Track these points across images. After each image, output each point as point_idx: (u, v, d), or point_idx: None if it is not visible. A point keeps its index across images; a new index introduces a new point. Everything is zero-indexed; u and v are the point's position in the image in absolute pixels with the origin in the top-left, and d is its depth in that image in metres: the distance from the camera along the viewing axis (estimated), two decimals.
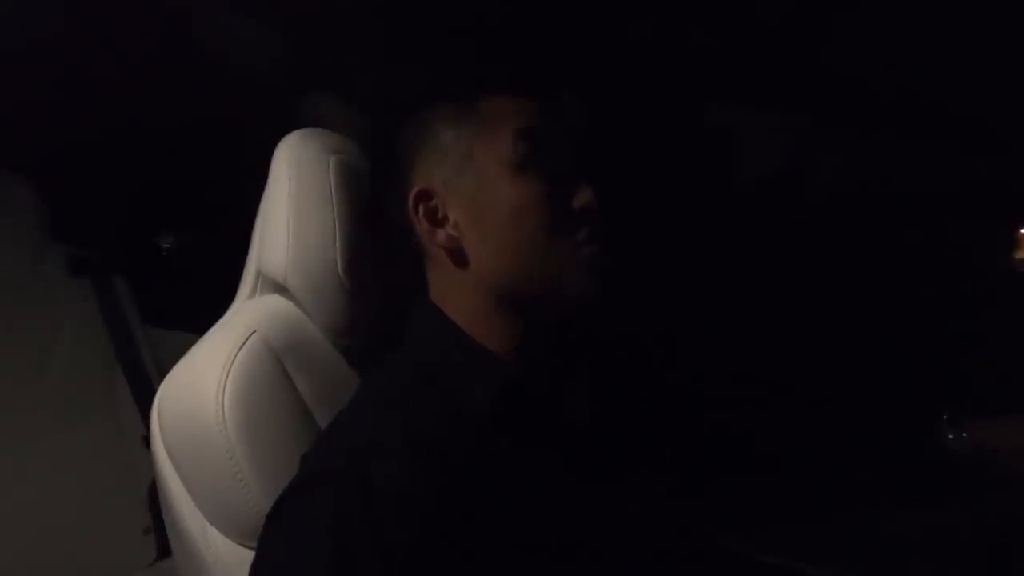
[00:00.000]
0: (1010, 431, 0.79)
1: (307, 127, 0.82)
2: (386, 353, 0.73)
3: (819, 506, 0.91)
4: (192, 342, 0.76)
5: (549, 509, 0.65)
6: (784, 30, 1.01)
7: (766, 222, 1.18)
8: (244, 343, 0.71)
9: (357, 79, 1.25)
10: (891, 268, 1.12)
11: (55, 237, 1.54)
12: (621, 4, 1.05)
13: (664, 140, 1.21)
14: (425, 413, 0.65)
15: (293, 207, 0.75)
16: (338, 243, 0.75)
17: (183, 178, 1.52)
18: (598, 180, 0.71)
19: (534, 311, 0.70)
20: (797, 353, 1.12)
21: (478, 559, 0.59)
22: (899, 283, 1.12)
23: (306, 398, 0.74)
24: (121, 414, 1.57)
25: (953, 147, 1.04)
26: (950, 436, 0.79)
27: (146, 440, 0.76)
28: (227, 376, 0.68)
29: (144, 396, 1.52)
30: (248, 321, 0.74)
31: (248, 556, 0.63)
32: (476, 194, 0.69)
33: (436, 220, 0.70)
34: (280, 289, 0.78)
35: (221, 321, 0.79)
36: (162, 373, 0.74)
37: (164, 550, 1.44)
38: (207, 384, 0.68)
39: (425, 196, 0.71)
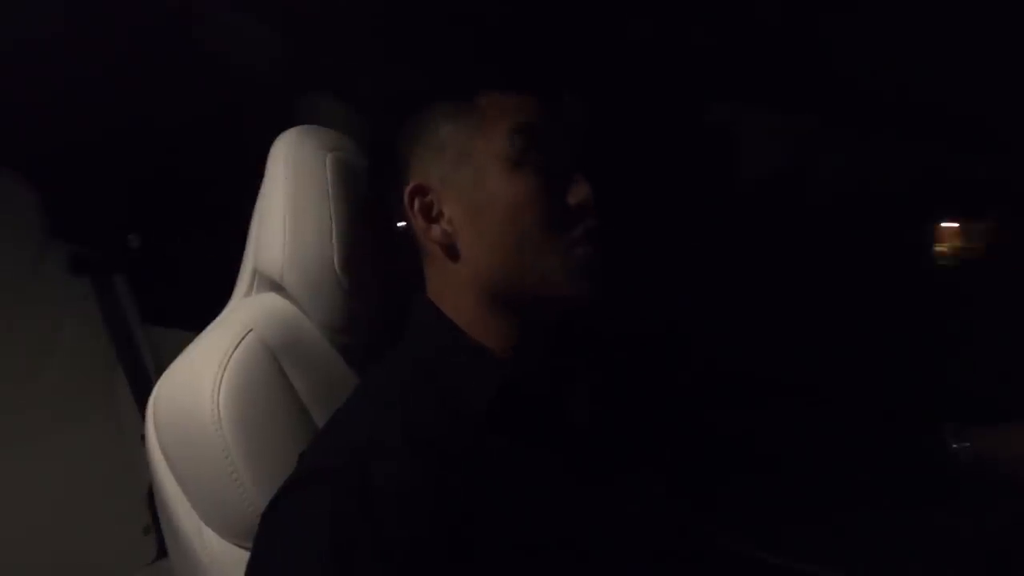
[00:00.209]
0: (1011, 439, 0.78)
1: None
2: (384, 351, 0.73)
3: (819, 506, 0.91)
4: (192, 341, 0.76)
5: (549, 509, 0.65)
6: (784, 30, 1.00)
7: (766, 222, 1.18)
8: (240, 341, 0.71)
9: (356, 78, 1.25)
10: (892, 268, 1.12)
11: (55, 236, 1.54)
12: (621, 4, 1.05)
13: (664, 139, 1.21)
14: (424, 411, 0.65)
15: (290, 204, 0.75)
16: (335, 240, 0.75)
17: (182, 177, 1.52)
18: (598, 179, 0.71)
19: (529, 309, 0.70)
20: (797, 353, 1.12)
21: (477, 558, 0.58)
22: (899, 283, 1.11)
23: (303, 396, 0.74)
24: (121, 413, 1.57)
25: (955, 147, 1.04)
26: (953, 444, 0.79)
27: (145, 439, 0.76)
28: (223, 375, 0.68)
29: (144, 395, 1.51)
30: (244, 319, 0.74)
31: (244, 556, 0.62)
32: (472, 190, 0.69)
33: (431, 216, 0.70)
34: (277, 287, 0.77)
35: (217, 320, 0.79)
36: (162, 372, 0.74)
37: (164, 549, 1.44)
38: (203, 383, 0.68)
39: (421, 192, 0.71)
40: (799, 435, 0.89)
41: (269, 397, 0.71)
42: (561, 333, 0.76)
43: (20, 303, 1.48)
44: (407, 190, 0.71)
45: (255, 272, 0.80)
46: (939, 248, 1.08)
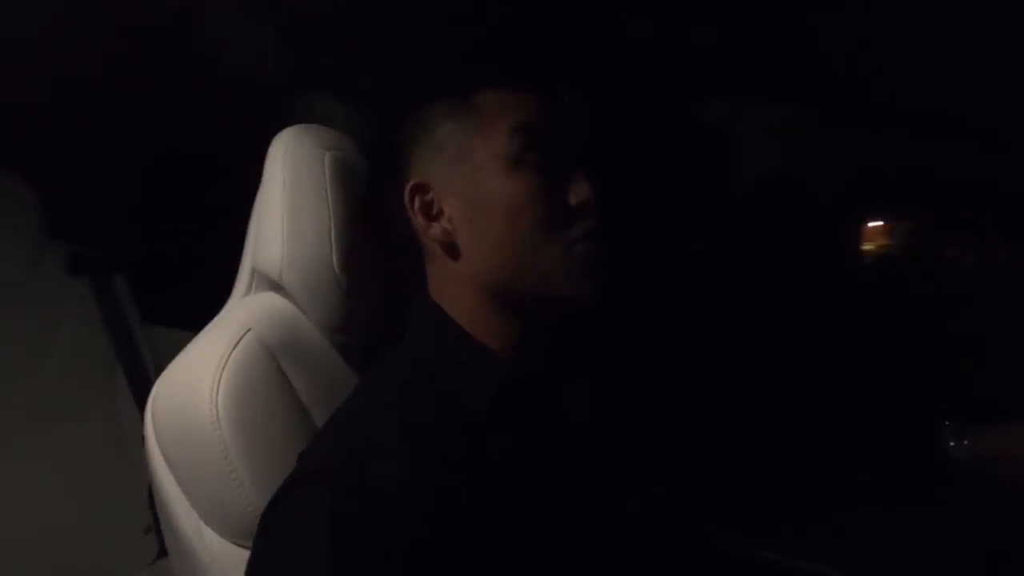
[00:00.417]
0: (1011, 439, 0.78)
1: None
2: (384, 350, 0.73)
3: (819, 506, 0.91)
4: (191, 340, 0.76)
5: (549, 508, 0.65)
6: (784, 29, 1.00)
7: (766, 221, 1.18)
8: (239, 341, 0.71)
9: (356, 78, 1.25)
10: (891, 268, 1.12)
11: (54, 236, 1.54)
12: (621, 4, 1.05)
13: (664, 139, 1.21)
14: (424, 411, 0.65)
15: (288, 203, 0.75)
16: (334, 239, 0.75)
17: (181, 177, 1.52)
18: (598, 178, 0.70)
19: (529, 309, 0.70)
20: (797, 352, 1.12)
21: (477, 558, 0.58)
22: (899, 283, 1.11)
23: (302, 396, 0.74)
24: (121, 413, 1.57)
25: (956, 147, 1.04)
26: (952, 444, 0.79)
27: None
28: (221, 375, 0.68)
29: (143, 395, 1.51)
30: (243, 319, 0.74)
31: (244, 556, 0.62)
32: (471, 189, 0.69)
33: (431, 214, 0.70)
34: (275, 286, 0.77)
35: (216, 319, 0.79)
36: (161, 372, 0.74)
37: (165, 549, 1.44)
38: (201, 383, 0.68)
39: (421, 190, 0.71)
40: (799, 435, 0.89)
41: (268, 397, 0.71)
42: (561, 333, 0.76)
43: (19, 303, 1.47)
44: (407, 188, 0.71)
45: (254, 271, 0.80)
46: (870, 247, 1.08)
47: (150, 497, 1.43)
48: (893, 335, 1.08)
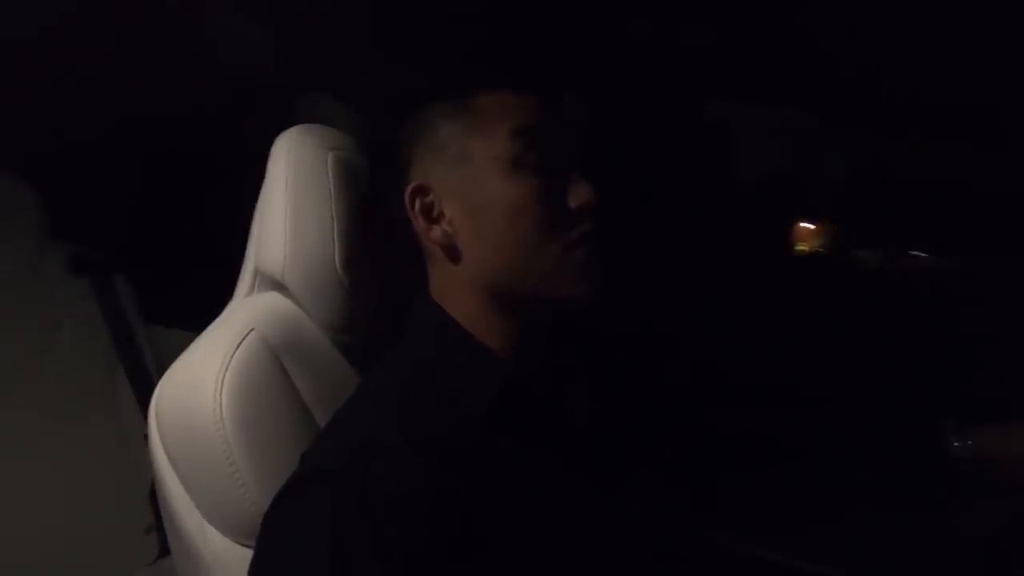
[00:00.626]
0: (1011, 439, 0.78)
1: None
2: (385, 350, 0.73)
3: (819, 506, 0.91)
4: (193, 340, 0.76)
5: (549, 508, 0.65)
6: (783, 29, 1.00)
7: (766, 221, 1.18)
8: (242, 341, 0.71)
9: (356, 78, 1.25)
10: (891, 268, 1.12)
11: (55, 236, 1.54)
12: (621, 4, 1.05)
13: (664, 139, 1.21)
14: (425, 411, 0.65)
15: (291, 203, 0.75)
16: (336, 240, 0.75)
17: (183, 177, 1.52)
18: (598, 179, 0.71)
19: (530, 310, 0.70)
20: (798, 353, 1.12)
21: (477, 558, 0.59)
22: (899, 283, 1.12)
23: (304, 396, 0.74)
24: (122, 413, 1.57)
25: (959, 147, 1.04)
26: (954, 443, 0.79)
27: (148, 439, 0.76)
28: (224, 375, 0.68)
29: (145, 395, 1.50)
30: (245, 319, 0.74)
31: (247, 555, 0.62)
32: (471, 191, 0.69)
33: (432, 216, 0.70)
34: (278, 286, 0.77)
35: (218, 319, 0.79)
36: (163, 372, 0.74)
37: (166, 548, 1.44)
38: (204, 383, 0.68)
39: (422, 192, 0.71)
40: (799, 435, 0.89)
41: (271, 397, 0.71)
42: (561, 333, 0.76)
43: (20, 303, 1.47)
44: (408, 190, 0.71)
45: (256, 271, 0.80)
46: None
47: (151, 496, 1.44)
48: (894, 335, 1.08)
